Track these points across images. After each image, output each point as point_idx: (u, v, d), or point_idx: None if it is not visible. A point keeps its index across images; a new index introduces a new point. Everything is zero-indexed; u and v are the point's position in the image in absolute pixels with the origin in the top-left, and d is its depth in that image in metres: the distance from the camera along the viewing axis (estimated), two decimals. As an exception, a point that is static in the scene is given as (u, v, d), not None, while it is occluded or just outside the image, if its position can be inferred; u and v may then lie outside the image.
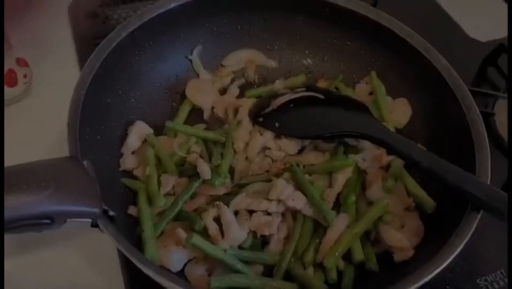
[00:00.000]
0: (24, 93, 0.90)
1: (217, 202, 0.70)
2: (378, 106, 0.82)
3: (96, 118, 0.71)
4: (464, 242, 0.60)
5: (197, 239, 0.63)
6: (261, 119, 0.80)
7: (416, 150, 0.69)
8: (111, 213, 0.57)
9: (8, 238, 0.71)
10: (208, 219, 0.68)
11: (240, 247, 0.69)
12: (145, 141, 0.77)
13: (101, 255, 0.72)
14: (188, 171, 0.74)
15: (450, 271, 0.74)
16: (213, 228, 0.67)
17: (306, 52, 0.91)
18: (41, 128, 0.85)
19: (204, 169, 0.71)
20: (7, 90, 0.87)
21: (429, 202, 0.70)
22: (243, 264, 0.66)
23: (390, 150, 0.73)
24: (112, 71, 0.75)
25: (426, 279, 0.57)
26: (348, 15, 0.84)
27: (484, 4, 1.17)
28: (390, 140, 0.71)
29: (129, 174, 0.75)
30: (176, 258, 0.65)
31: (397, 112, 0.83)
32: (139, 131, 0.77)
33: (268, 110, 0.81)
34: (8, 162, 0.55)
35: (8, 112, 0.88)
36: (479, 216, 0.62)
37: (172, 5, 0.80)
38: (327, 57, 0.90)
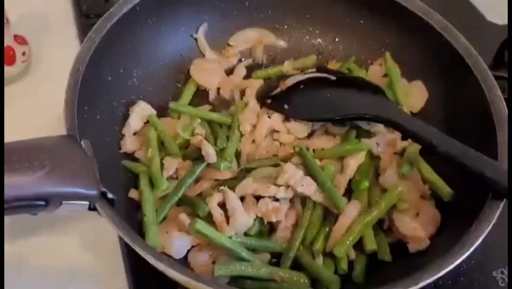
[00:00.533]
0: (23, 72, 0.87)
1: (222, 187, 0.67)
2: (393, 89, 0.79)
3: (95, 96, 0.68)
4: (485, 233, 0.57)
5: (201, 225, 0.60)
6: (269, 101, 0.76)
7: (434, 134, 0.66)
8: (110, 195, 0.54)
9: (6, 222, 0.70)
10: (212, 204, 0.65)
11: (245, 234, 0.66)
12: (147, 122, 0.74)
13: (102, 240, 0.70)
14: (192, 154, 0.71)
15: (465, 263, 0.70)
16: (218, 213, 0.64)
17: (317, 32, 0.87)
18: (40, 108, 0.82)
19: (209, 152, 0.67)
20: (5, 69, 0.83)
21: (445, 190, 0.67)
22: (249, 251, 0.63)
23: (406, 134, 0.69)
24: (113, 48, 0.72)
25: (442, 273, 0.54)
26: (361, -8, 0.81)
27: (502, -14, 1.13)
28: (407, 123, 0.67)
29: (130, 156, 0.72)
30: (178, 244, 0.63)
31: (413, 96, 0.79)
32: (141, 111, 0.74)
33: (276, 91, 0.77)
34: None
35: (6, 91, 0.84)
36: (501, 204, 0.58)
37: (177, -22, 0.77)
38: (338, 37, 0.86)
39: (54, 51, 0.91)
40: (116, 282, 0.67)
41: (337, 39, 0.87)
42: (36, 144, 0.51)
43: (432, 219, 0.67)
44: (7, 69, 0.84)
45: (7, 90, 0.85)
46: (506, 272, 0.71)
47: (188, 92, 0.80)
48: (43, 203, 0.48)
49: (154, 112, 0.75)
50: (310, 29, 0.87)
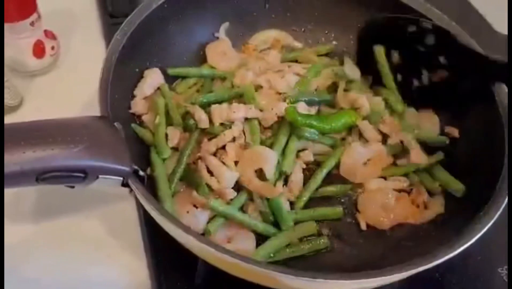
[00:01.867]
0: (51, 66, 0.90)
1: (199, 154, 0.70)
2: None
3: (124, 86, 0.72)
4: (495, 217, 0.59)
5: (216, 203, 0.64)
6: None
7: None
8: (141, 173, 0.57)
9: (31, 203, 0.73)
10: (203, 174, 0.68)
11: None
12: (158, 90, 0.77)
13: (124, 224, 0.72)
14: (189, 124, 0.72)
15: (471, 258, 0.73)
16: (214, 182, 0.67)
17: (333, 35, 0.91)
18: (67, 98, 0.85)
19: (202, 118, 0.71)
20: (35, 61, 0.87)
21: (458, 186, 0.70)
22: (263, 223, 0.67)
23: None
24: (141, 42, 0.75)
25: (453, 254, 0.56)
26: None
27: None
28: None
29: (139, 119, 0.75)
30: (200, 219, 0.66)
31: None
32: (156, 78, 0.77)
33: None
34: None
35: (33, 83, 0.88)
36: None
37: (201, -20, 0.81)
38: (353, 39, 0.89)
39: (80, 46, 0.95)
40: (136, 264, 0.69)
41: (353, 42, 0.88)
42: (76, 122, 0.55)
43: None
44: (37, 61, 0.87)
45: (37, 81, 0.89)
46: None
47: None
48: (82, 175, 0.52)
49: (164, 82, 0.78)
50: (326, 32, 0.91)
